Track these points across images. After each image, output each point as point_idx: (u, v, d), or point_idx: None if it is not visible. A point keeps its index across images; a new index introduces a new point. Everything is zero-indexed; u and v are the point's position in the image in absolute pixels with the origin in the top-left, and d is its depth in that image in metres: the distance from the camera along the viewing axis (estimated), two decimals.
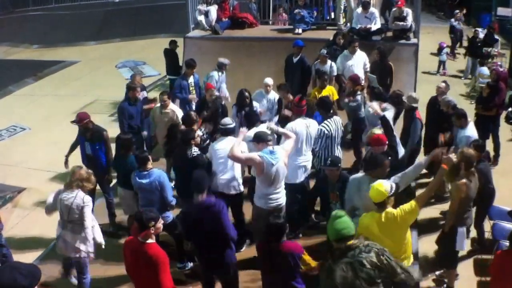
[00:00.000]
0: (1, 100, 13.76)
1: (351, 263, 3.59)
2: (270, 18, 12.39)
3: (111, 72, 15.92)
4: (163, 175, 5.79)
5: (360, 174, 5.27)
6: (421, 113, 7.44)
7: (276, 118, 7.51)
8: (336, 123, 6.53)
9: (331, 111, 6.72)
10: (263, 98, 7.97)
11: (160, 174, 5.78)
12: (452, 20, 15.94)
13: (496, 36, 14.64)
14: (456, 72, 14.49)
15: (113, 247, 6.00)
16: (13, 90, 14.53)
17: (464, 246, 5.51)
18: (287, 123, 6.37)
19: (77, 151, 7.12)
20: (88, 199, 5.34)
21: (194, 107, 8.36)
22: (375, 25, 9.98)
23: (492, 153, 8.20)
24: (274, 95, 7.99)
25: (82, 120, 6.74)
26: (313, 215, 6.58)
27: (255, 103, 7.64)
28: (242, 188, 6.14)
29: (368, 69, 8.90)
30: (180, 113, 7.66)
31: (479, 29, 14.88)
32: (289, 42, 9.45)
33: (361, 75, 8.43)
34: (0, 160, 9.78)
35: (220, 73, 8.83)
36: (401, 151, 6.30)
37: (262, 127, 6.22)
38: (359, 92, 7.75)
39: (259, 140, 5.46)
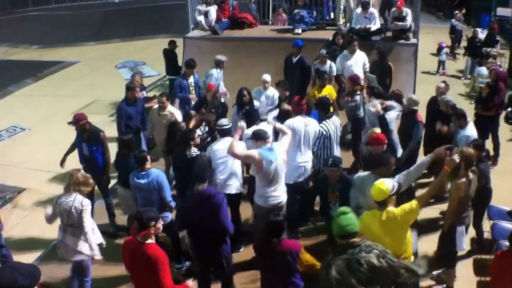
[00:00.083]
0: (1, 101, 13.76)
1: (349, 260, 3.61)
2: (270, 18, 12.37)
3: (111, 72, 15.92)
4: (161, 175, 5.78)
5: (366, 172, 5.28)
6: (421, 113, 7.44)
7: (276, 112, 7.49)
8: (335, 123, 6.54)
9: (330, 112, 6.73)
10: (262, 94, 8.02)
11: (159, 174, 5.77)
12: (453, 20, 15.93)
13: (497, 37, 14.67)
14: (456, 72, 14.50)
15: (113, 247, 6.00)
16: (13, 91, 14.54)
17: (463, 245, 5.51)
18: (287, 118, 6.39)
19: (76, 151, 7.12)
20: (86, 202, 5.32)
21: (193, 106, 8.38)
22: (375, 25, 9.99)
23: (491, 153, 8.20)
24: (272, 91, 8.04)
25: (78, 121, 6.73)
26: (312, 218, 6.59)
27: (256, 102, 7.68)
28: (242, 188, 6.15)
29: (368, 69, 8.90)
30: (178, 115, 7.65)
31: (479, 29, 14.89)
32: (289, 42, 9.43)
33: (361, 75, 8.43)
34: (0, 160, 9.78)
35: (218, 70, 8.86)
36: (399, 151, 6.31)
37: (262, 126, 6.23)
38: (358, 92, 7.76)
39: (258, 138, 5.47)
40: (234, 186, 6.02)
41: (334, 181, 5.54)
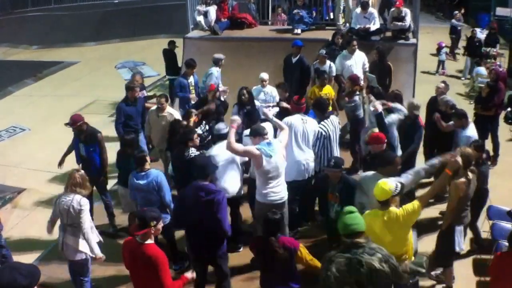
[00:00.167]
0: (1, 101, 13.78)
1: (350, 260, 3.60)
2: (269, 19, 12.38)
3: (111, 72, 15.93)
4: (160, 176, 5.77)
5: (371, 172, 5.27)
6: (421, 114, 7.43)
7: (275, 110, 7.48)
8: (334, 123, 6.54)
9: (327, 112, 6.73)
10: (261, 92, 8.08)
11: (158, 174, 5.76)
12: (453, 20, 15.94)
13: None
14: (455, 72, 14.51)
15: (112, 247, 5.99)
16: (13, 91, 14.55)
17: (462, 245, 5.52)
18: (287, 115, 6.39)
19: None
20: (84, 201, 5.32)
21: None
22: (374, 25, 9.99)
23: (491, 153, 8.20)
24: (271, 89, 8.11)
25: (75, 122, 6.72)
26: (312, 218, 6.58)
27: (257, 102, 7.70)
28: (242, 192, 6.14)
29: (367, 69, 8.90)
30: (178, 115, 7.63)
31: (478, 29, 14.89)
32: (288, 42, 9.44)
33: (360, 75, 8.44)
34: (0, 160, 9.79)
35: (217, 69, 8.90)
36: (399, 152, 6.31)
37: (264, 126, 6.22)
38: (357, 92, 7.75)
39: (256, 134, 5.45)
40: (235, 190, 5.98)
41: (335, 182, 5.52)
